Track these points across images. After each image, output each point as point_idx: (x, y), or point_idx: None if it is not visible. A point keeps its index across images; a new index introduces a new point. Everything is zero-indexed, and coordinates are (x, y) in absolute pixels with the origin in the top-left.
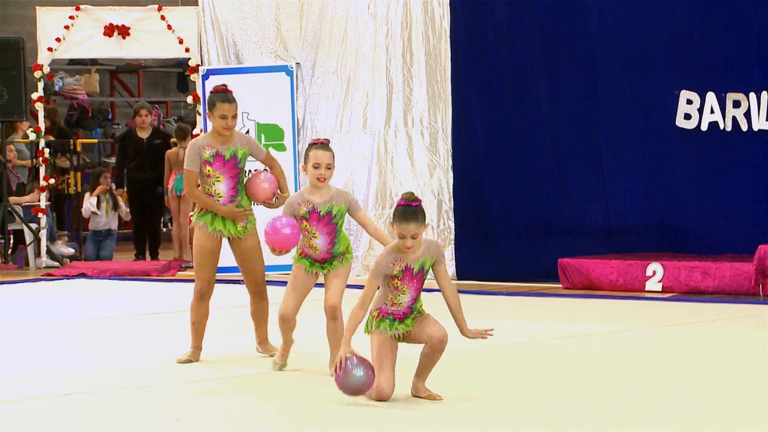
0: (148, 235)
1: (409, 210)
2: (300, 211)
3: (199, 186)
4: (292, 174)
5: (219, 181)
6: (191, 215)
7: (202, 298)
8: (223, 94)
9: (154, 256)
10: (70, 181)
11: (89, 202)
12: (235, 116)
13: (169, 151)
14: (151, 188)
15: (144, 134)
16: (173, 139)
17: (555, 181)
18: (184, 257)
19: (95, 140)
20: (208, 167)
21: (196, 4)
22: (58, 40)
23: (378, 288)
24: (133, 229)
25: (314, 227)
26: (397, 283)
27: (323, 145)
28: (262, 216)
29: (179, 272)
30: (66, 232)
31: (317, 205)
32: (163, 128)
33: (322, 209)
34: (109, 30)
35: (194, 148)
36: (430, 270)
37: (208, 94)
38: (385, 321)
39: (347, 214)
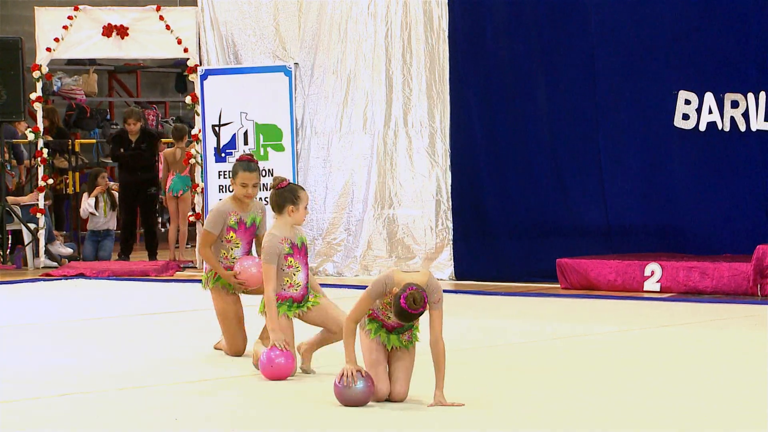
0: (145, 236)
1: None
2: (284, 249)
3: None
4: (290, 177)
5: (237, 246)
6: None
7: (238, 354)
8: (245, 163)
9: (153, 256)
10: (68, 181)
11: (87, 203)
12: (255, 185)
13: (166, 151)
14: (143, 189)
15: (133, 137)
16: (166, 140)
17: (553, 181)
18: (181, 258)
19: (93, 140)
20: (232, 233)
21: (194, 4)
22: (56, 40)
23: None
24: (121, 229)
25: (298, 261)
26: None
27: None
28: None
29: (177, 272)
30: (64, 232)
31: (292, 238)
32: (157, 128)
33: (297, 241)
34: (108, 30)
35: (220, 213)
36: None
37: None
38: (373, 324)
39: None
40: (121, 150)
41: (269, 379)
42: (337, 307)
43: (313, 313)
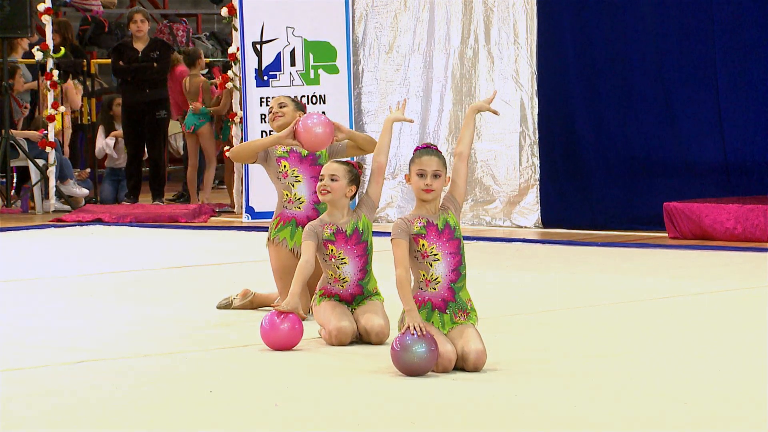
0: (150, 171)
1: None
2: (324, 233)
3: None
4: (345, 104)
5: (299, 181)
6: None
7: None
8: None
9: (158, 196)
10: (83, 109)
11: (105, 143)
12: (282, 105)
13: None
14: (150, 113)
15: (140, 45)
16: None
17: (661, 110)
18: (207, 200)
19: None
20: (284, 162)
21: None
22: None
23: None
24: (126, 163)
25: (342, 250)
26: (425, 245)
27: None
28: None
29: (212, 218)
30: (78, 169)
31: (342, 223)
32: (187, 45)
33: (347, 227)
34: None
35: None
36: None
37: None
38: (422, 311)
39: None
40: (120, 63)
41: (271, 348)
42: (379, 311)
43: (357, 311)
